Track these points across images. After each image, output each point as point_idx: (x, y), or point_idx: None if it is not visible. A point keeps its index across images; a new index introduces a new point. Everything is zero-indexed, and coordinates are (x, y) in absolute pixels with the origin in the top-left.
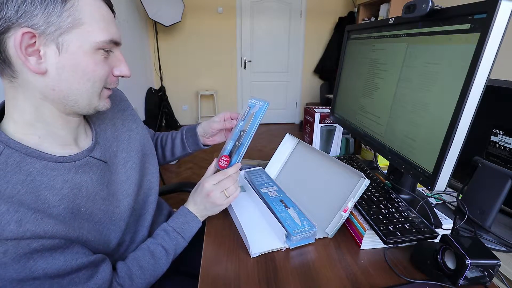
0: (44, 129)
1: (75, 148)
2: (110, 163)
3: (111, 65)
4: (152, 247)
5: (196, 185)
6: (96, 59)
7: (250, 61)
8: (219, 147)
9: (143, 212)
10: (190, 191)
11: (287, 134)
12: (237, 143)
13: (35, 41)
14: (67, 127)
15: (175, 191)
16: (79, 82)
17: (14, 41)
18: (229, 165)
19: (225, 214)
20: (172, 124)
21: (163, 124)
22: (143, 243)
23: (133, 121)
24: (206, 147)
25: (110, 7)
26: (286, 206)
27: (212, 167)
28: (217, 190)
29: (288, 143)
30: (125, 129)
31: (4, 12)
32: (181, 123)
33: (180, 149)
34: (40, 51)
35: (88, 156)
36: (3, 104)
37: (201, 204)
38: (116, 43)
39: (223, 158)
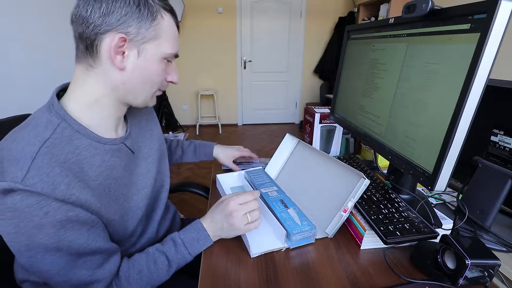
0: (98, 113)
1: (114, 134)
2: (136, 154)
3: (167, 72)
4: (157, 255)
5: (218, 201)
6: (161, 66)
7: (250, 61)
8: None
9: (155, 206)
10: (190, 191)
11: (287, 134)
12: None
13: (124, 44)
14: (116, 114)
15: (175, 191)
16: (144, 82)
17: (111, 41)
18: None
19: None
20: (172, 124)
21: (163, 124)
22: (150, 247)
23: (154, 124)
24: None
25: (178, 27)
26: (286, 206)
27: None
28: (241, 211)
29: (288, 143)
30: (147, 128)
31: (109, 19)
32: (181, 123)
33: (191, 157)
34: (124, 52)
35: (122, 143)
36: (63, 86)
37: (219, 223)
38: (176, 56)
39: None
